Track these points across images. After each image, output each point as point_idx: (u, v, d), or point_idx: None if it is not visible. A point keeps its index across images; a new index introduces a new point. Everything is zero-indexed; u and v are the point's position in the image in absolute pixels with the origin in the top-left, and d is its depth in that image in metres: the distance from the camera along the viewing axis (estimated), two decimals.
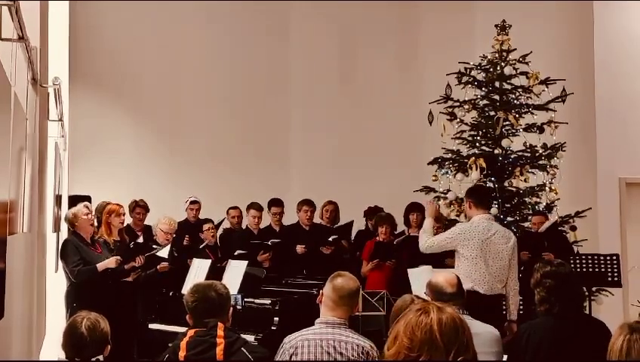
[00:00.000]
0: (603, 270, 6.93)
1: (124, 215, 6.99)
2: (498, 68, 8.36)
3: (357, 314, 5.26)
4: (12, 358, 3.16)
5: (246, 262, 6.44)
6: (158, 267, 6.66)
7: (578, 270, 6.82)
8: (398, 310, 3.63)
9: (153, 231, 7.31)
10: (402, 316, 2.28)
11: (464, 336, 2.21)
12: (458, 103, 8.43)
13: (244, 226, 8.20)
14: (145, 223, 7.82)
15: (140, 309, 6.54)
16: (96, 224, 7.00)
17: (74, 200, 7.05)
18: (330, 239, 7.70)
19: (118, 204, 6.92)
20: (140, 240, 7.31)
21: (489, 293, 5.62)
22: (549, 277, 3.77)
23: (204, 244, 7.49)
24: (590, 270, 6.92)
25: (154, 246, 6.84)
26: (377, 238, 7.44)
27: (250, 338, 5.34)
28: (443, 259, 6.53)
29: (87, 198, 7.47)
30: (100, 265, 6.12)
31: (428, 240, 5.93)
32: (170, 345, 3.47)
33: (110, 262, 6.17)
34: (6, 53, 2.69)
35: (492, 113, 8.34)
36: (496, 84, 8.40)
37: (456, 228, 5.91)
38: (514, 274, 5.80)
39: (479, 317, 3.86)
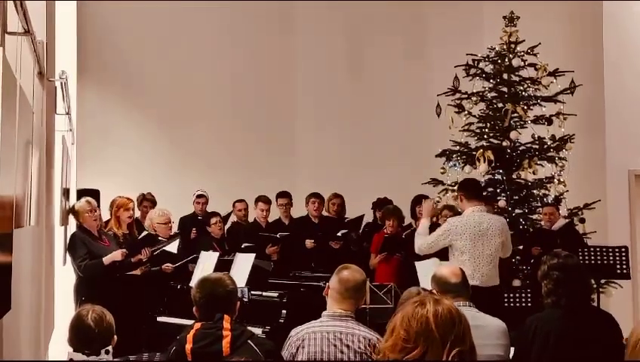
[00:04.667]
0: (612, 262, 6.89)
1: (132, 209, 7.03)
2: (506, 60, 8.33)
3: (364, 306, 5.29)
4: (21, 351, 3.18)
5: (253, 255, 6.44)
6: (162, 267, 6.68)
7: (587, 262, 6.78)
8: (404, 302, 3.63)
9: (147, 228, 7.25)
10: (400, 308, 2.29)
11: (461, 328, 2.21)
12: (466, 95, 8.41)
13: (250, 219, 8.22)
14: None
15: (148, 302, 6.56)
16: (106, 218, 7.04)
17: (82, 194, 7.07)
18: (339, 234, 7.69)
19: (127, 198, 6.96)
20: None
21: (485, 285, 5.61)
22: (556, 269, 3.76)
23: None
24: (599, 262, 6.88)
25: (160, 238, 6.85)
26: (385, 231, 7.44)
27: (257, 331, 5.35)
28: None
29: (96, 192, 7.51)
30: (106, 259, 6.14)
31: (422, 241, 5.93)
32: (177, 337, 3.48)
33: (116, 255, 6.18)
34: (12, 47, 2.69)
35: (500, 105, 8.32)
36: (505, 76, 8.37)
37: (448, 223, 5.92)
38: (509, 250, 5.96)
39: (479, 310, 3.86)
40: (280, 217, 8.11)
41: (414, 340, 2.19)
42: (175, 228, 7.78)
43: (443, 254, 6.20)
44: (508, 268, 7.59)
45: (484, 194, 8.14)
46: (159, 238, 6.86)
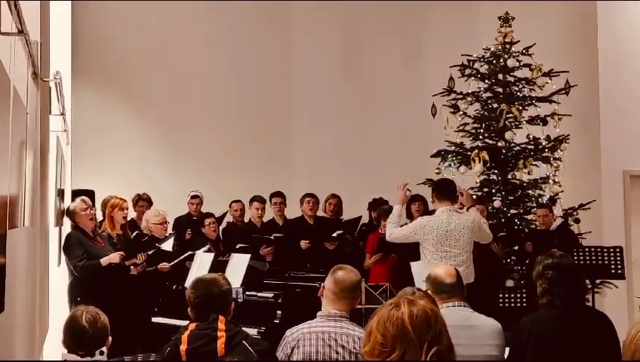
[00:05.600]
0: (607, 262, 6.90)
1: (127, 209, 7.01)
2: (501, 60, 8.34)
3: (360, 306, 5.29)
4: (15, 352, 3.17)
5: (249, 256, 6.44)
6: (158, 266, 6.68)
7: (582, 262, 6.80)
8: None
9: (144, 229, 7.27)
10: (375, 312, 2.28)
11: (437, 327, 2.20)
12: (461, 96, 8.42)
13: (246, 220, 8.21)
14: None
15: (143, 302, 6.56)
16: (101, 218, 7.03)
17: (77, 195, 7.07)
18: (334, 235, 7.68)
19: (121, 199, 6.95)
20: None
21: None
22: (550, 268, 3.76)
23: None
24: (594, 262, 6.88)
25: (156, 243, 6.85)
26: (380, 231, 7.44)
27: (252, 331, 5.35)
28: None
29: (91, 192, 7.50)
30: (104, 260, 6.14)
31: (393, 230, 6.01)
32: (172, 338, 3.48)
33: (114, 257, 6.19)
34: (5, 47, 2.68)
35: (495, 105, 8.33)
36: (500, 76, 8.38)
37: (418, 221, 6.01)
38: (487, 235, 6.06)
39: None
40: (274, 217, 8.11)
41: (392, 343, 2.17)
42: (170, 229, 7.79)
43: None
44: (500, 268, 7.60)
45: (480, 194, 8.18)
46: (156, 243, 6.86)
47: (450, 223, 5.80)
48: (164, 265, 6.69)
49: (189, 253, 6.89)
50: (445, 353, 2.19)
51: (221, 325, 3.36)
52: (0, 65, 2.47)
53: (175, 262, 6.73)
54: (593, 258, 6.88)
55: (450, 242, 5.77)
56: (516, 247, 7.84)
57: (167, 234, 7.18)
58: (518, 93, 8.34)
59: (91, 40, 9.44)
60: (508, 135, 8.16)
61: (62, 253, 6.23)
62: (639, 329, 2.46)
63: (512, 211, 8.20)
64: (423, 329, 2.17)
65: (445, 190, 6.07)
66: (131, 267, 6.50)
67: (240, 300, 5.86)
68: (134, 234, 7.11)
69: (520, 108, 8.23)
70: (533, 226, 8.00)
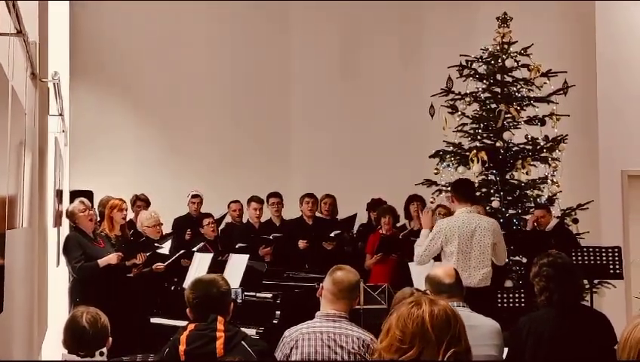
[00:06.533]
0: (605, 262, 6.90)
1: (126, 210, 7.02)
2: (499, 60, 8.34)
3: (359, 307, 5.29)
4: (13, 353, 3.17)
5: (247, 256, 6.44)
6: (153, 267, 6.67)
7: (580, 262, 6.80)
8: (398, 302, 3.64)
9: (139, 228, 7.27)
10: (395, 308, 2.28)
11: (456, 328, 2.21)
12: (459, 96, 8.41)
13: (245, 220, 8.21)
14: None
15: (141, 303, 6.55)
16: (98, 218, 7.02)
17: (76, 195, 7.06)
18: (332, 235, 7.68)
19: (120, 199, 6.96)
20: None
21: (475, 286, 5.65)
22: (547, 266, 3.79)
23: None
24: (592, 262, 6.88)
25: (155, 243, 6.85)
26: (380, 231, 7.44)
27: (251, 331, 5.35)
28: None
29: (89, 193, 7.50)
30: (102, 261, 6.15)
31: (418, 251, 5.93)
32: (171, 338, 3.48)
33: (112, 258, 6.19)
34: (4, 48, 2.68)
35: (493, 106, 8.32)
36: (498, 76, 8.37)
37: (437, 226, 5.92)
38: (503, 254, 5.97)
39: None
40: (271, 217, 8.11)
41: (410, 341, 2.18)
42: (169, 230, 7.79)
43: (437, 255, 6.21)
44: (499, 268, 7.59)
45: (478, 194, 8.17)
46: (155, 243, 6.86)
47: (472, 224, 5.78)
48: (159, 265, 6.69)
49: (183, 251, 6.89)
50: (462, 354, 2.20)
51: (220, 326, 3.37)
52: None
53: (169, 261, 6.72)
54: (591, 258, 6.88)
55: (472, 243, 5.74)
56: (512, 247, 7.82)
57: (164, 235, 7.18)
58: (517, 94, 8.33)
59: (90, 40, 9.44)
60: (506, 135, 8.16)
61: (61, 253, 6.22)
62: (633, 327, 2.46)
63: (511, 211, 8.20)
64: (442, 330, 2.18)
65: (464, 191, 6.02)
66: (132, 269, 6.50)
67: (239, 301, 5.86)
68: (130, 233, 7.11)
69: (518, 108, 8.22)
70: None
